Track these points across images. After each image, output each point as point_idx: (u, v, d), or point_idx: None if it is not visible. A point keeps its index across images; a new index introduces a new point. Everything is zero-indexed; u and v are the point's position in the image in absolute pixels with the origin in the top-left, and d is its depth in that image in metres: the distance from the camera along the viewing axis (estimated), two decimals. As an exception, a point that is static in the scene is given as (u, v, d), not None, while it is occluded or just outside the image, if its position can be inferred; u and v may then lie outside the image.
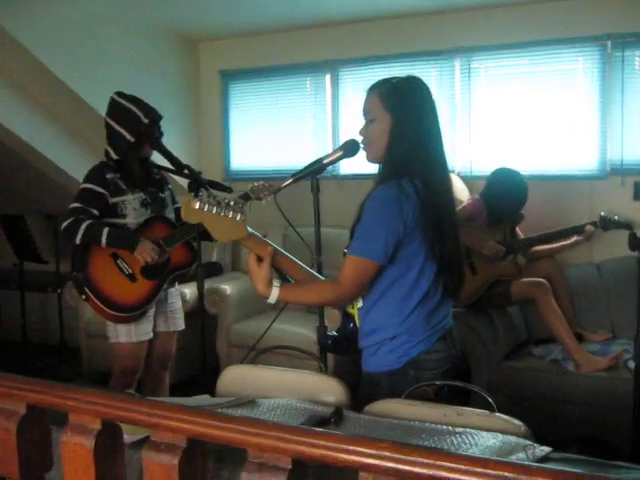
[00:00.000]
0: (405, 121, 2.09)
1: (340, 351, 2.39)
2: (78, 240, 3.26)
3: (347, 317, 2.27)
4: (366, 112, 2.17)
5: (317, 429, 0.98)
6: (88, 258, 3.33)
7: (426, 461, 0.86)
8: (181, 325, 3.70)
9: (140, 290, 3.37)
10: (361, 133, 2.19)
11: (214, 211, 1.92)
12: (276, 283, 2.02)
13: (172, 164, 3.44)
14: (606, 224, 4.24)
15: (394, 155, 2.10)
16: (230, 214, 1.94)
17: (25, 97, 4.63)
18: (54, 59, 4.42)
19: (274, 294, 2.02)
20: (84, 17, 4.65)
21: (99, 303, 3.29)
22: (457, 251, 2.17)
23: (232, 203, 1.94)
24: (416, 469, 0.86)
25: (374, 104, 2.13)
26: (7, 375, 1.22)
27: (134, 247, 3.29)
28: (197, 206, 1.91)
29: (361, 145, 2.23)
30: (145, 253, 3.29)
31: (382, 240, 2.00)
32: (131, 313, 3.35)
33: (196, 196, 3.29)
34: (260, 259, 2.03)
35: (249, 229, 1.99)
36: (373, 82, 2.20)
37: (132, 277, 3.36)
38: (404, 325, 2.10)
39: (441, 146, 2.16)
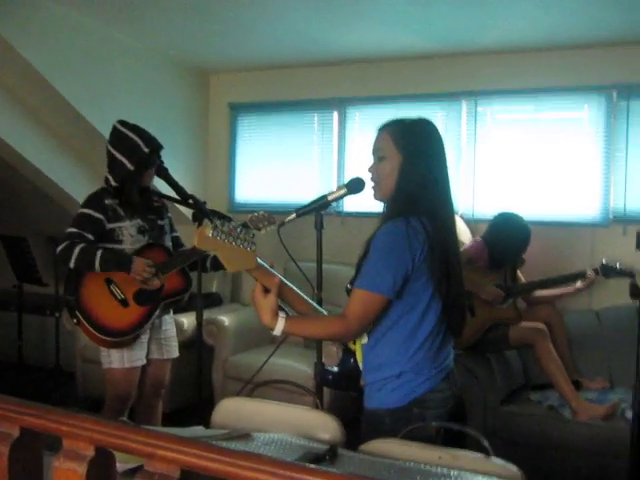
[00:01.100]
0: (415, 161, 2.11)
1: (340, 387, 2.37)
2: (72, 264, 3.27)
3: (348, 353, 2.25)
4: (376, 150, 2.19)
5: (312, 466, 0.97)
6: (82, 282, 3.34)
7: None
8: (175, 353, 3.69)
9: (132, 315, 3.36)
10: (370, 170, 2.20)
11: (226, 240, 1.93)
12: (282, 314, 2.01)
13: (177, 193, 3.46)
14: (607, 272, 4.23)
15: (402, 193, 2.11)
16: (242, 245, 1.94)
17: (34, 120, 4.66)
18: (64, 83, 4.46)
19: (279, 326, 2.00)
20: (97, 45, 4.71)
21: (89, 327, 3.29)
22: (461, 290, 2.18)
23: (244, 233, 1.95)
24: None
25: (386, 142, 2.15)
26: (3, 397, 1.21)
27: (129, 267, 3.30)
28: (211, 234, 1.91)
29: (371, 183, 2.23)
30: (140, 270, 3.30)
31: (391, 274, 2.00)
32: (121, 338, 3.35)
33: (199, 226, 3.34)
34: (266, 290, 2.03)
35: (259, 260, 2.00)
36: (381, 121, 2.21)
37: (124, 302, 3.36)
38: (410, 362, 2.09)
39: (448, 187, 2.18)
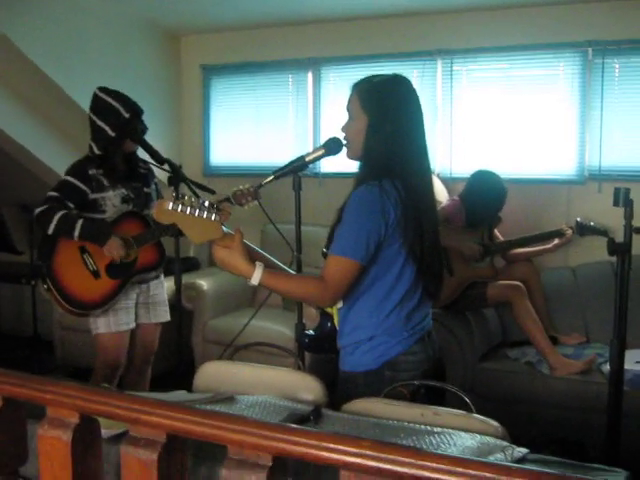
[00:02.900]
0: (380, 122, 2.07)
1: (317, 350, 2.37)
2: (50, 230, 3.23)
3: (325, 316, 2.26)
4: (348, 109, 2.16)
5: (298, 427, 0.97)
6: (55, 249, 3.32)
7: (408, 460, 0.86)
8: (165, 317, 3.67)
9: (101, 288, 3.35)
10: (343, 130, 2.18)
11: (188, 212, 1.88)
12: (259, 263, 1.96)
13: (152, 158, 3.42)
14: (582, 230, 4.25)
15: (371, 155, 2.09)
16: (205, 214, 1.90)
17: (5, 87, 4.57)
18: (35, 49, 4.37)
19: (257, 273, 1.94)
20: (67, 9, 4.60)
21: (58, 296, 3.29)
22: (437, 253, 2.16)
23: (206, 204, 1.90)
24: (398, 468, 0.86)
25: (353, 103, 2.12)
26: (-17, 367, 1.20)
27: (103, 243, 3.28)
28: (170, 207, 1.87)
29: (343, 141, 2.22)
30: (112, 250, 3.29)
31: (364, 240, 1.98)
32: (86, 311, 3.36)
33: (175, 190, 3.30)
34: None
35: (225, 229, 1.95)
36: (356, 80, 2.18)
37: (96, 274, 3.34)
38: (383, 325, 2.09)
39: (424, 147, 2.14)
